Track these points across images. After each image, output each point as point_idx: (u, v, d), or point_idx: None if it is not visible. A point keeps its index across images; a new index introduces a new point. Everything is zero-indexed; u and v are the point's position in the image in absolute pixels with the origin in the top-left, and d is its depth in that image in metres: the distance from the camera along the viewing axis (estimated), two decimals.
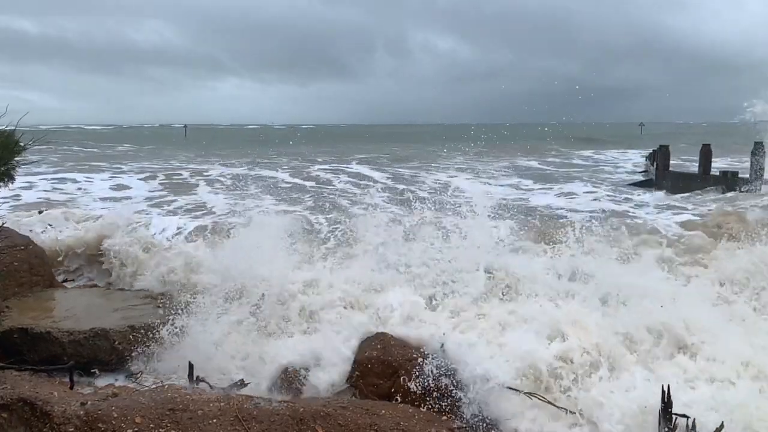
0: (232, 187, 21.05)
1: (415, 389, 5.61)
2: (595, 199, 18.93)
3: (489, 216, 9.38)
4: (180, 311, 6.78)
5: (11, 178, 4.91)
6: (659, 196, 18.91)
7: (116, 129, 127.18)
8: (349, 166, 30.20)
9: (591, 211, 16.05)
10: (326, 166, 29.61)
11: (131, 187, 21.19)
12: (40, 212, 11.29)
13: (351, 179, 24.42)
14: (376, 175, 26.11)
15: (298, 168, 28.55)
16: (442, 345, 5.97)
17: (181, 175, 25.11)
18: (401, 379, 5.73)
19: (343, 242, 9.50)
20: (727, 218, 10.05)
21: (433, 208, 10.89)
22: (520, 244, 9.26)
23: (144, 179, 23.39)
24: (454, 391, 5.50)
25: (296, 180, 24.02)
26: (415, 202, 12.12)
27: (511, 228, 10.04)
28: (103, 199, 17.79)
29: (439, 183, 23.51)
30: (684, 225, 10.29)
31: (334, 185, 22.65)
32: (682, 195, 18.08)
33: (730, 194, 16.97)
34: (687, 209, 15.04)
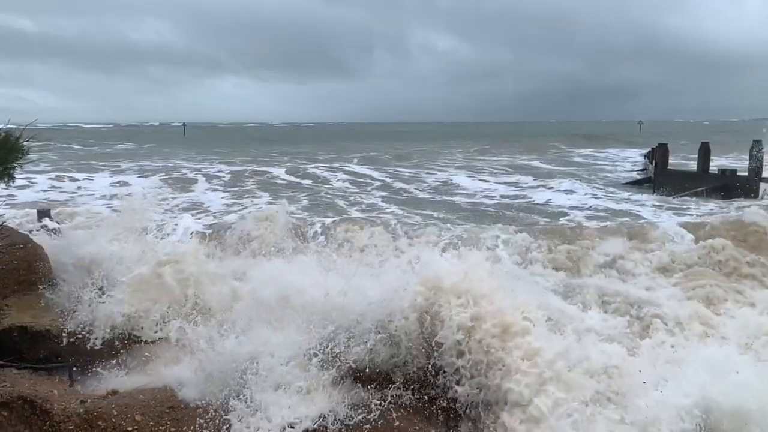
0: (232, 188, 21.06)
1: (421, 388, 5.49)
2: (594, 197, 18.95)
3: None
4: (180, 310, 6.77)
5: (11, 178, 4.92)
6: (657, 195, 18.95)
7: (115, 127, 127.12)
8: (350, 164, 30.21)
9: (590, 208, 16.09)
10: (327, 165, 29.62)
11: (131, 185, 21.21)
12: (40, 211, 11.26)
13: (352, 178, 24.42)
14: (375, 174, 26.10)
15: (299, 167, 28.55)
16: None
17: (180, 173, 25.11)
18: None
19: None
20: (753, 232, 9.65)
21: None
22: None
23: (144, 177, 23.41)
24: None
25: (300, 180, 24.03)
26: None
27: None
28: (103, 197, 17.79)
29: (440, 182, 23.54)
30: (702, 241, 9.63)
31: (332, 184, 22.66)
32: (681, 195, 18.08)
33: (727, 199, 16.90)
34: (690, 212, 15.00)
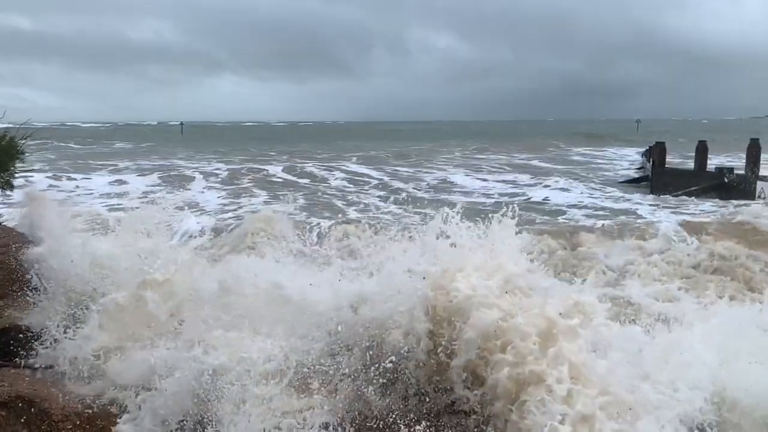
0: (229, 186, 21.04)
1: None
2: (592, 195, 18.98)
3: None
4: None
5: (11, 187, 4.89)
6: (655, 193, 18.98)
7: (113, 127, 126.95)
8: (348, 163, 30.21)
9: (588, 207, 16.10)
10: (326, 164, 29.60)
11: (128, 182, 21.23)
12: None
13: (350, 176, 24.42)
14: (374, 173, 26.09)
15: (297, 165, 28.52)
16: None
17: (177, 171, 25.07)
18: None
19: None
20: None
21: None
22: None
23: (141, 176, 23.37)
24: None
25: (298, 179, 24.01)
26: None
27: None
28: (102, 195, 17.81)
29: (438, 180, 23.55)
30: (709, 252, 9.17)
31: (330, 183, 22.65)
32: (678, 194, 18.09)
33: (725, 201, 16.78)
34: (689, 212, 14.94)
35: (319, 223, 11.12)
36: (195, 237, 9.75)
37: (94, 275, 5.01)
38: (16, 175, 4.87)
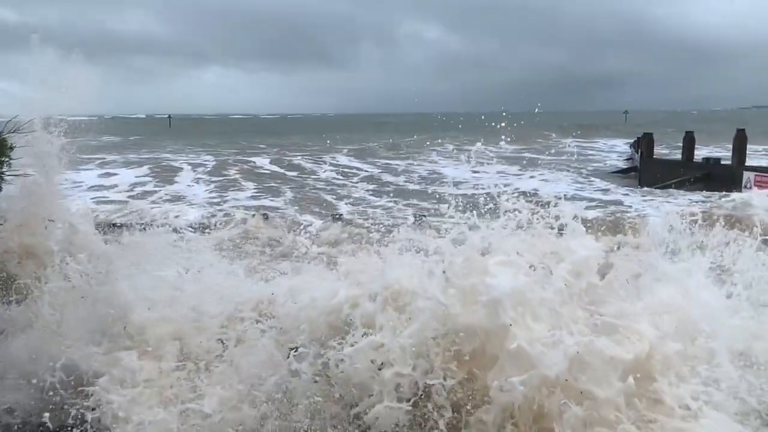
0: (218, 178, 20.94)
1: None
2: (581, 186, 19.10)
3: None
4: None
5: None
6: (643, 184, 19.13)
7: (100, 119, 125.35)
8: (338, 155, 30.13)
9: (577, 198, 16.19)
10: (316, 156, 29.53)
11: (117, 174, 21.10)
12: None
13: (340, 169, 24.38)
14: (363, 165, 26.08)
15: (287, 158, 28.43)
16: None
17: (166, 164, 24.90)
18: None
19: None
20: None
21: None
22: None
23: (130, 169, 23.21)
24: None
25: (287, 171, 23.92)
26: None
27: None
28: (91, 188, 17.67)
29: (428, 172, 23.56)
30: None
31: (319, 175, 22.59)
32: (666, 184, 18.22)
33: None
34: (677, 203, 15.05)
35: (305, 225, 10.90)
36: (184, 233, 9.68)
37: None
38: (5, 177, 4.77)
